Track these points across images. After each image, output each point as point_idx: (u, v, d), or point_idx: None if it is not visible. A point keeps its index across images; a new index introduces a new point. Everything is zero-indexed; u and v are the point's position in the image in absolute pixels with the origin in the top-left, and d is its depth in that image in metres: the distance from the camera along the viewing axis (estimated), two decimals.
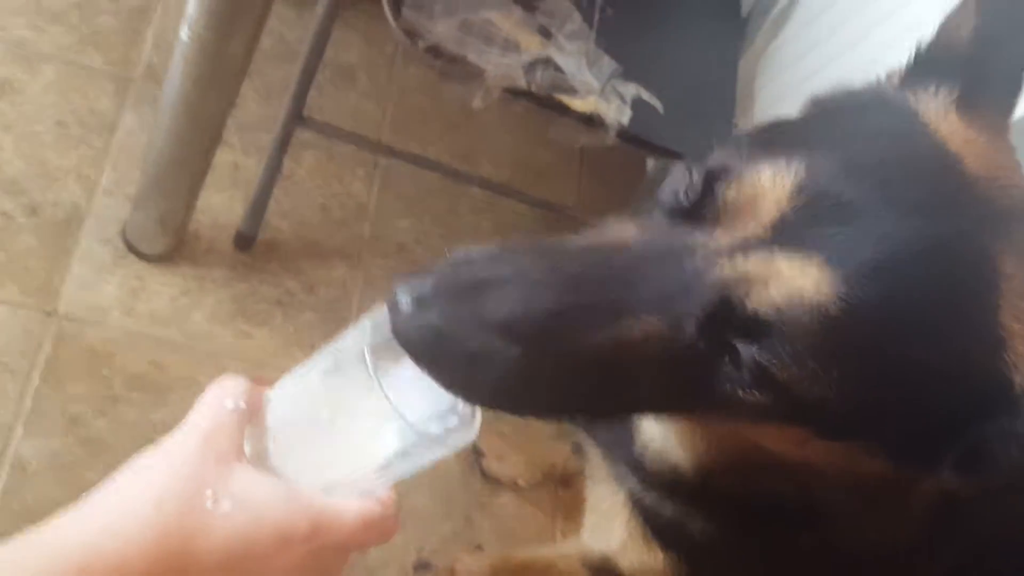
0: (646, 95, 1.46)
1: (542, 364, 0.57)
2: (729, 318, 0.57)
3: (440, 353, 0.55)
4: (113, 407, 1.44)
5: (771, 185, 0.58)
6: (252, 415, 0.60)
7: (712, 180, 0.61)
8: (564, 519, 1.68)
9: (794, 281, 0.55)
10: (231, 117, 1.34)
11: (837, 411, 0.58)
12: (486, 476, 1.65)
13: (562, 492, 1.71)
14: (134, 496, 0.53)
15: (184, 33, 1.12)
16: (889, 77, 0.71)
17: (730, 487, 0.80)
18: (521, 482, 1.66)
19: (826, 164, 0.58)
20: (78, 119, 1.61)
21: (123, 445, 1.40)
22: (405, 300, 0.55)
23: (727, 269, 0.57)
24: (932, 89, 0.67)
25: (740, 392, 0.59)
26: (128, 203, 1.51)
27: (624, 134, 1.41)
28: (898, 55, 0.72)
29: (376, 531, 0.59)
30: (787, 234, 0.57)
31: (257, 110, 1.75)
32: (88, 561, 0.49)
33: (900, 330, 0.56)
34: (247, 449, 0.59)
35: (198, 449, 0.55)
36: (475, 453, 1.65)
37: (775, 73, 1.68)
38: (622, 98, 1.44)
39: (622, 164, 1.91)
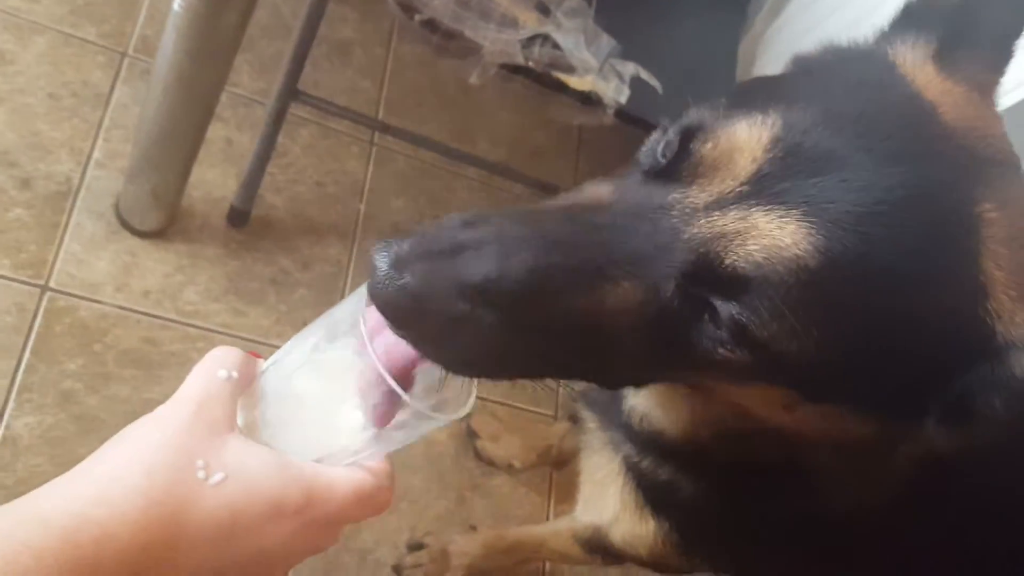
0: (645, 74, 1.45)
1: (520, 328, 0.57)
2: (707, 276, 0.57)
3: (416, 316, 0.54)
4: (105, 384, 1.43)
5: (747, 139, 0.58)
6: (246, 385, 0.60)
7: (688, 138, 0.61)
8: (558, 501, 1.69)
9: (772, 235, 0.55)
10: (225, 91, 1.32)
11: (819, 368, 0.58)
12: (480, 457, 1.65)
13: (556, 474, 1.71)
14: (123, 465, 0.52)
15: (177, 3, 1.10)
16: (874, 36, 0.71)
17: (715, 451, 0.81)
18: (516, 463, 1.65)
19: (803, 116, 0.58)
20: (71, 91, 1.59)
21: (115, 421, 1.39)
22: (383, 262, 0.54)
23: (704, 226, 0.57)
24: (911, 41, 0.67)
25: (720, 350, 0.58)
26: (121, 177, 1.50)
27: (622, 113, 1.41)
28: None
29: (369, 503, 0.58)
30: (765, 188, 0.56)
31: (251, 84, 1.73)
32: (73, 530, 0.48)
33: (881, 281, 0.56)
34: (240, 419, 0.58)
35: (190, 419, 0.55)
36: (469, 434, 1.65)
37: (775, 56, 1.67)
38: (620, 77, 1.43)
39: (620, 144, 1.89)
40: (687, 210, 0.58)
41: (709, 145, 0.59)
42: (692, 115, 0.62)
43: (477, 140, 1.91)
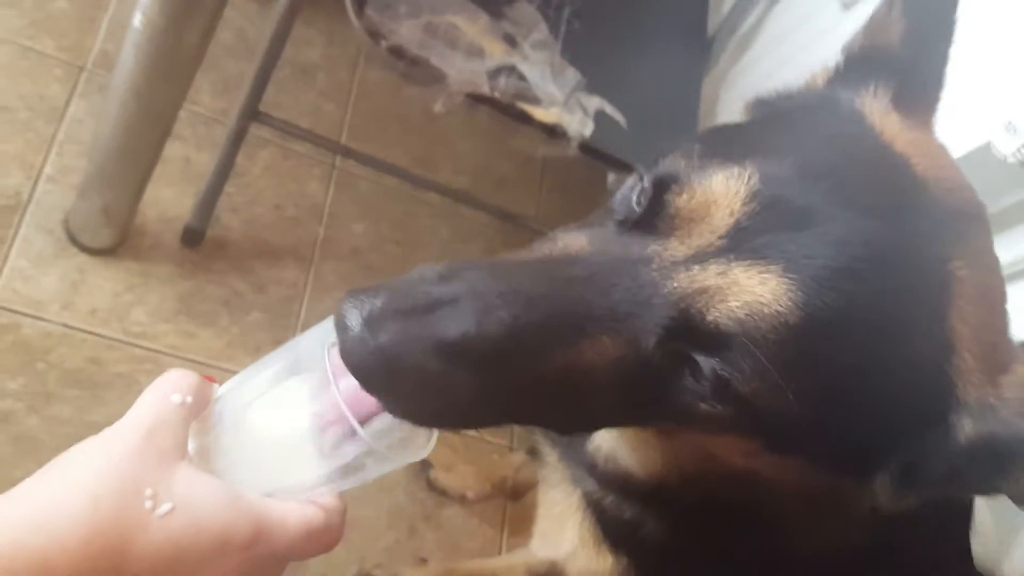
0: (609, 109, 1.46)
1: (498, 387, 0.55)
2: (689, 331, 0.56)
3: (391, 379, 0.52)
4: (47, 404, 1.38)
5: (724, 192, 0.57)
6: (199, 411, 0.57)
7: (662, 188, 0.59)
8: (512, 533, 1.66)
9: (754, 291, 0.54)
10: (185, 110, 1.30)
11: (793, 422, 0.57)
12: (433, 487, 1.63)
13: (511, 505, 1.69)
14: (67, 491, 0.49)
15: (137, 20, 1.08)
16: (815, 79, 0.72)
17: (679, 492, 0.80)
18: (470, 494, 1.63)
19: (778, 169, 0.57)
20: (26, 104, 1.56)
21: (56, 444, 1.34)
22: (355, 319, 0.52)
23: (684, 281, 0.56)
24: (872, 89, 0.67)
25: (701, 405, 0.57)
26: (73, 193, 1.46)
27: (586, 147, 1.41)
28: None
29: (318, 541, 0.56)
30: (743, 242, 0.55)
31: (213, 104, 1.71)
32: (9, 558, 0.46)
33: (858, 337, 0.55)
34: (191, 446, 0.56)
35: (140, 445, 0.52)
36: (422, 463, 1.62)
37: (737, 94, 1.70)
38: (585, 111, 1.43)
39: (584, 177, 1.90)
40: (666, 264, 0.57)
41: (685, 197, 0.58)
42: (667, 164, 0.61)
43: (441, 167, 1.91)
